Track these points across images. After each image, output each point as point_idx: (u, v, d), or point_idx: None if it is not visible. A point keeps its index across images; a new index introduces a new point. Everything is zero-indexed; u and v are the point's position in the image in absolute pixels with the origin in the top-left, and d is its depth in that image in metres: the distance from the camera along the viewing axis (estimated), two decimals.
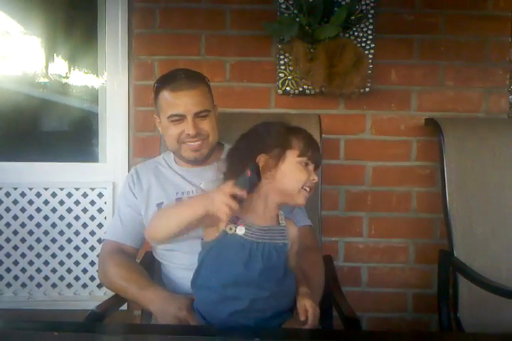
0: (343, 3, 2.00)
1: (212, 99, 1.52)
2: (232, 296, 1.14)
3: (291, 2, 2.01)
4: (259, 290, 1.14)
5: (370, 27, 2.03)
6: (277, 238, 1.19)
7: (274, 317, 1.18)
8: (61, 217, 2.15)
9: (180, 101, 1.42)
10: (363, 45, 2.02)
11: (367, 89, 2.05)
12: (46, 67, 2.40)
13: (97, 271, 1.52)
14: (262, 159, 1.17)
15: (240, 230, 1.16)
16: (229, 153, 1.26)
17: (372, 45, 2.03)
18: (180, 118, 1.43)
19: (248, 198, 1.15)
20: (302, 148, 1.19)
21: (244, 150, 1.21)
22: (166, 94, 1.44)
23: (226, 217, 1.06)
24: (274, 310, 1.17)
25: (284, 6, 2.01)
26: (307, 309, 1.16)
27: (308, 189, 1.20)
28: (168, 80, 1.45)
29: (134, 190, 1.53)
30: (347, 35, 2.01)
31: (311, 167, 1.21)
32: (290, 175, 1.18)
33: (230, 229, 1.16)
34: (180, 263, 1.43)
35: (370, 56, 2.03)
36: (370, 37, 2.03)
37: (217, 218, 1.08)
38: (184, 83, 1.43)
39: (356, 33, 2.02)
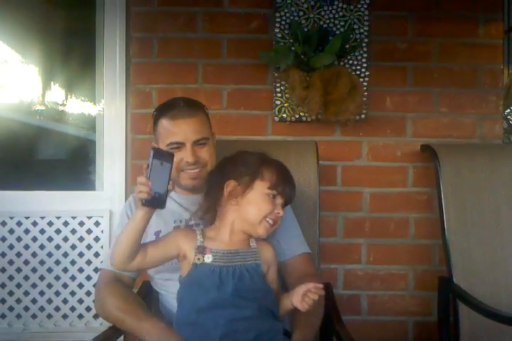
0: (337, 32, 2.04)
1: (210, 126, 1.53)
2: (211, 324, 1.16)
3: (286, 31, 2.04)
4: (236, 310, 1.16)
5: (365, 55, 2.06)
6: (248, 259, 1.23)
7: (263, 340, 1.18)
8: (57, 246, 2.13)
9: (179, 129, 1.42)
10: (358, 72, 2.05)
11: (362, 116, 2.07)
12: (43, 95, 2.42)
13: (94, 301, 1.49)
14: (230, 184, 1.23)
15: (208, 258, 1.21)
16: (208, 175, 1.36)
17: (367, 73, 2.06)
18: (179, 146, 1.43)
19: (214, 227, 1.26)
20: (273, 181, 1.23)
21: (219, 175, 1.28)
22: (165, 122, 1.44)
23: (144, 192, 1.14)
24: (259, 331, 1.17)
25: (279, 35, 2.05)
26: None
27: (271, 221, 1.23)
28: (167, 108, 1.46)
29: None
30: (342, 63, 2.04)
31: (279, 200, 1.25)
32: (254, 204, 1.23)
33: (198, 259, 1.21)
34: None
35: (365, 83, 2.06)
36: (365, 65, 2.06)
37: None
38: (183, 111, 1.44)
39: (351, 61, 2.06)
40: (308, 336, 1.29)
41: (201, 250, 1.21)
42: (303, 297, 1.16)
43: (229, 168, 1.27)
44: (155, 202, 1.14)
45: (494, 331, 1.70)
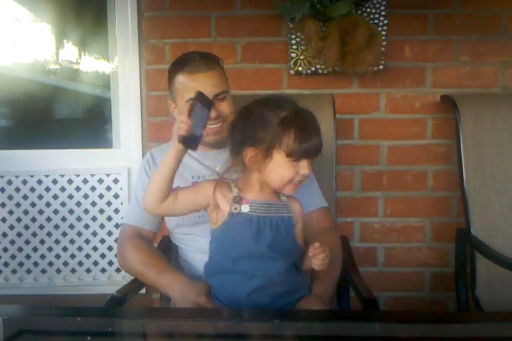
0: None
1: (227, 80, 1.49)
2: (248, 273, 1.17)
3: None
4: (272, 262, 1.17)
5: (383, 3, 1.98)
6: (282, 211, 1.22)
7: (290, 292, 1.20)
8: (78, 203, 2.17)
9: (199, 84, 1.38)
10: (376, 21, 1.98)
11: (380, 67, 2.01)
12: (57, 54, 2.39)
13: (116, 255, 1.53)
14: (249, 152, 1.17)
15: (245, 208, 1.19)
16: (229, 129, 1.27)
17: (386, 22, 1.99)
18: None
19: (242, 180, 1.22)
20: (293, 149, 1.13)
21: (239, 135, 1.19)
22: (182, 78, 1.41)
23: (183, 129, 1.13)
24: (290, 285, 1.19)
25: None
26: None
27: (296, 182, 1.19)
28: (184, 63, 1.42)
29: (150, 173, 1.53)
30: (359, 11, 1.97)
31: (303, 162, 1.16)
32: (275, 172, 1.17)
33: (235, 208, 1.19)
34: (197, 247, 1.43)
35: (384, 33, 1.99)
36: (383, 13, 1.99)
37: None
38: (201, 65, 1.40)
39: (369, 10, 1.98)
40: (327, 288, 1.31)
41: (238, 200, 1.19)
42: (311, 259, 1.16)
43: (247, 130, 1.17)
44: (190, 141, 1.16)
45: (511, 281, 1.71)
